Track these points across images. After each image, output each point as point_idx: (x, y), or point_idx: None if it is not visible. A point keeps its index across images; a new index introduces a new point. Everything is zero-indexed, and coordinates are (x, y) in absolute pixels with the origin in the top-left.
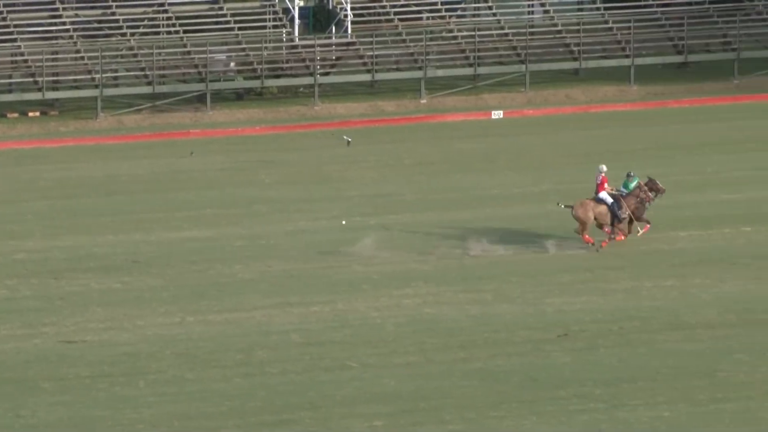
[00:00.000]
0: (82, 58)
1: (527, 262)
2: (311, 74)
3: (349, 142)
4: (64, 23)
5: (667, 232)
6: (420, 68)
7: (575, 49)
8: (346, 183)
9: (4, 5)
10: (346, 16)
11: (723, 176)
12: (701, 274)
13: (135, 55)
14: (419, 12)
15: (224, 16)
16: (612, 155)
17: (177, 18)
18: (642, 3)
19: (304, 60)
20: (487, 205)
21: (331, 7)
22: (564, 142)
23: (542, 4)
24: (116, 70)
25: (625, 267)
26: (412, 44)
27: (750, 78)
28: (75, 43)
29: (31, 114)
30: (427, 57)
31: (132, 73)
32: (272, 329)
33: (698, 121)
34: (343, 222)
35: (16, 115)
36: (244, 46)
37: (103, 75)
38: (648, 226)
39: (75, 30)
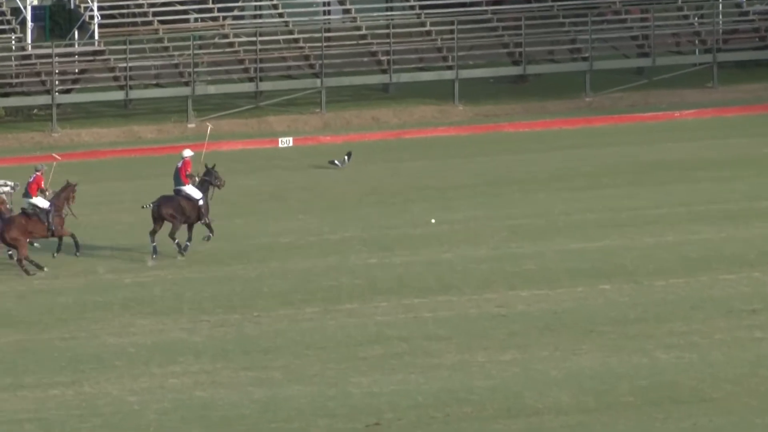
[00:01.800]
0: None
1: (326, 330)
2: (48, 92)
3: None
4: None
5: (505, 291)
6: (187, 84)
7: (384, 59)
8: (96, 230)
9: None
10: (92, 18)
11: (572, 220)
12: (548, 344)
13: None
14: (185, 12)
15: None
16: (431, 193)
17: None
18: (468, 1)
19: (39, 74)
20: (276, 257)
21: (72, 6)
22: (369, 177)
23: (341, 2)
24: None
25: (451, 336)
26: (176, 53)
27: (604, 95)
28: None
29: None
30: (196, 69)
31: None
32: (1, 418)
33: (539, 149)
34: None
35: None
36: None
37: None
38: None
39: None
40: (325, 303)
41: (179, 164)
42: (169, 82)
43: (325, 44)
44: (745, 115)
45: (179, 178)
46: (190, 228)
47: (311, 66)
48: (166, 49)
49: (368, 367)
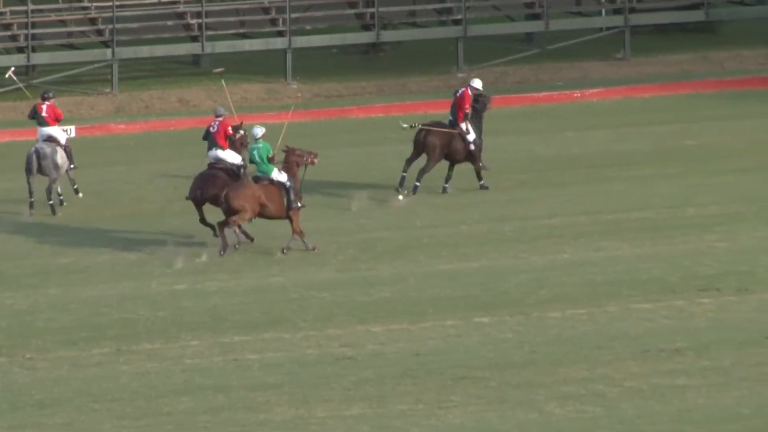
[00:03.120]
0: None
1: (119, 377)
2: None
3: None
4: None
5: (353, 326)
6: None
7: (194, 22)
8: None
9: None
10: None
11: (440, 233)
12: (408, 395)
13: None
14: None
15: None
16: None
17: None
18: None
19: None
20: (53, 283)
21: None
22: (174, 176)
23: None
24: None
25: (282, 385)
26: None
27: (483, 69)
28: None
29: None
30: None
31: None
32: None
33: (398, 140)
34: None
35: None
36: None
37: None
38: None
39: None
40: (119, 342)
41: (459, 91)
42: None
43: (117, 3)
44: (666, 96)
45: (456, 110)
46: (451, 166)
47: (99, 32)
48: None
49: (174, 426)
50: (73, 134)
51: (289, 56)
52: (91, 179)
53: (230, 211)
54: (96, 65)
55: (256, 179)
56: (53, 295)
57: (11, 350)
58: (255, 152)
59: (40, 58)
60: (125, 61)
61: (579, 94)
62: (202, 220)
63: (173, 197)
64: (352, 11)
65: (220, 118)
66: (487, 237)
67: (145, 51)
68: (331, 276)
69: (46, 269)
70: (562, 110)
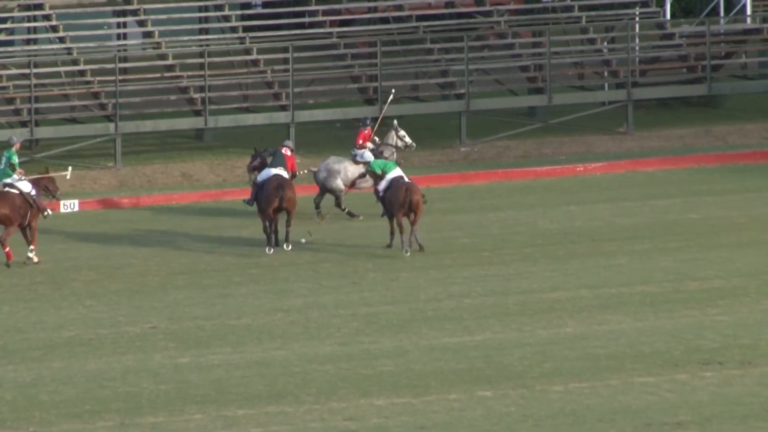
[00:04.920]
0: None
1: None
2: None
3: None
4: None
5: (356, 399)
6: None
7: (197, 96)
8: None
9: None
10: None
11: (443, 306)
12: None
13: None
14: None
15: None
16: (262, 272)
17: None
18: (307, 22)
19: None
20: (57, 356)
21: None
22: (178, 251)
23: (141, 23)
24: None
25: None
26: None
27: (486, 143)
28: None
29: None
30: None
31: None
32: None
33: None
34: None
35: None
36: None
37: None
38: None
39: None
40: (122, 415)
41: None
42: None
43: (120, 78)
44: (669, 170)
45: None
46: None
47: (102, 106)
48: None
49: None
50: (76, 208)
51: (292, 130)
52: (93, 253)
53: None
54: (99, 139)
55: None
56: (57, 368)
57: (15, 423)
58: None
59: (43, 132)
60: (128, 135)
61: (582, 168)
62: None
63: (177, 271)
64: (355, 86)
65: (288, 151)
66: (491, 310)
67: (148, 125)
68: (334, 349)
69: (49, 342)
70: (565, 184)
